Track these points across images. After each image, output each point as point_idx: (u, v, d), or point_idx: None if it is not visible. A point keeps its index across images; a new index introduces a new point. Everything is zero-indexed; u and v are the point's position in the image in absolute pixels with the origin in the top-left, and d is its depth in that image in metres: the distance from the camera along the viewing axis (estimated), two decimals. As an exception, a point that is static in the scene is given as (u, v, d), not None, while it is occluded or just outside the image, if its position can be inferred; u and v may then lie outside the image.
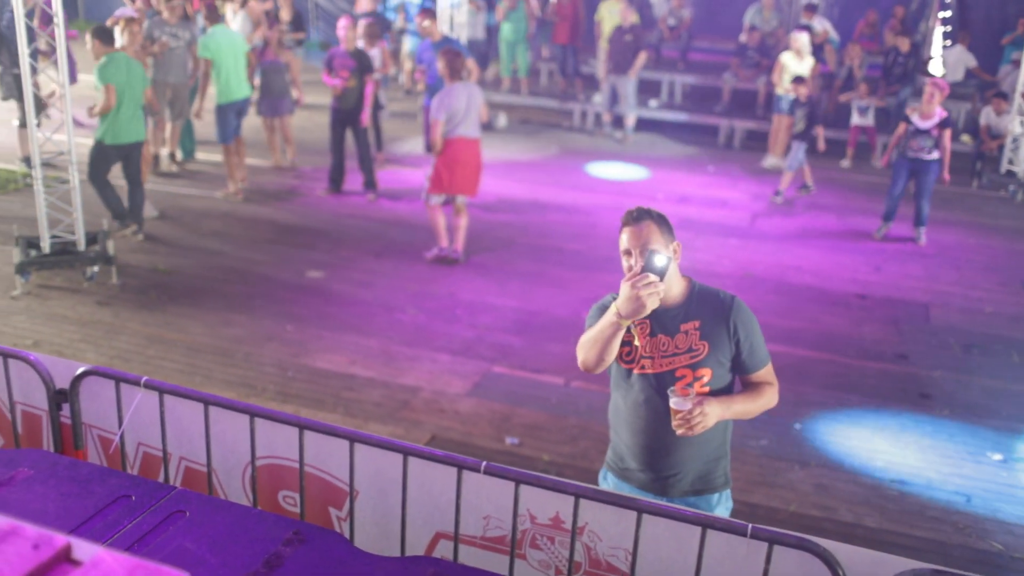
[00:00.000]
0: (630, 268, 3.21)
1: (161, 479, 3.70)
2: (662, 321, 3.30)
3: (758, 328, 3.33)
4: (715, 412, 3.15)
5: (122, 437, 3.70)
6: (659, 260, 3.02)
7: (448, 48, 8.73)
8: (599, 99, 14.31)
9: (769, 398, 3.36)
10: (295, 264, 8.42)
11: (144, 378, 3.53)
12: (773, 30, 14.81)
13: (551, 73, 16.41)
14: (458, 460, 3.11)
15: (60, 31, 7.58)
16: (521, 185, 11.16)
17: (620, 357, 3.36)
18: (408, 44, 15.53)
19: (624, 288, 3.05)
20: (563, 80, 15.71)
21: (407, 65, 15.49)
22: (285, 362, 6.59)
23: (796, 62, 11.85)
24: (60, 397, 3.72)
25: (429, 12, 10.56)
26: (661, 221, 3.29)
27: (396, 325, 7.23)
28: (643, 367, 3.32)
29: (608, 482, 3.59)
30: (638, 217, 3.26)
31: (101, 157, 8.39)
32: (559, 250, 9.04)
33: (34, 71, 7.84)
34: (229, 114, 10.15)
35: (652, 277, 3.01)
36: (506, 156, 12.46)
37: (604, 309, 3.28)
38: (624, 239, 3.26)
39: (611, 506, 2.97)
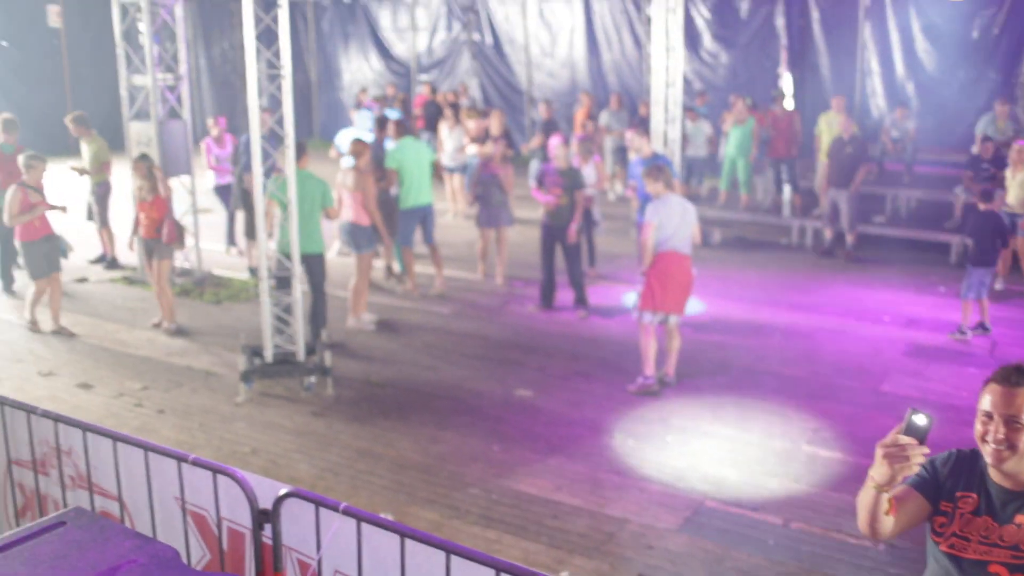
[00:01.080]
0: (983, 434, 2.73)
1: (356, 612, 3.58)
2: (995, 502, 2.76)
3: None
4: None
5: (319, 564, 3.62)
6: (919, 420, 2.56)
7: (653, 164, 8.68)
8: (818, 214, 13.80)
9: None
10: (504, 381, 8.36)
11: (343, 504, 3.45)
12: (1009, 140, 13.89)
13: (767, 188, 16.01)
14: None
15: (290, 152, 7.98)
16: (736, 304, 10.76)
17: (932, 525, 2.86)
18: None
19: (877, 451, 2.61)
20: (779, 195, 15.29)
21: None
22: (490, 483, 6.44)
23: (1010, 176, 10.97)
24: (263, 517, 3.68)
25: (641, 128, 10.54)
26: None
27: (604, 449, 6.98)
28: (952, 546, 2.79)
29: None
30: (1018, 381, 2.70)
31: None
32: (777, 376, 8.57)
33: (265, 188, 8.28)
34: (412, 219, 10.73)
35: (906, 440, 2.56)
36: (720, 273, 12.11)
37: (930, 465, 2.86)
38: (988, 400, 2.73)
39: None
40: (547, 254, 10.37)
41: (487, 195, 11.17)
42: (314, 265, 8.94)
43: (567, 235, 10.12)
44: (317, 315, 9.13)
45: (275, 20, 7.72)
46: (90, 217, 12.25)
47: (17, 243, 9.60)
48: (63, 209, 9.54)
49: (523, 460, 6.80)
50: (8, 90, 21.45)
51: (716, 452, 6.95)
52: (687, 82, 17.35)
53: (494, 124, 13.21)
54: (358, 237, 9.62)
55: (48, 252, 9.52)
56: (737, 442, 7.13)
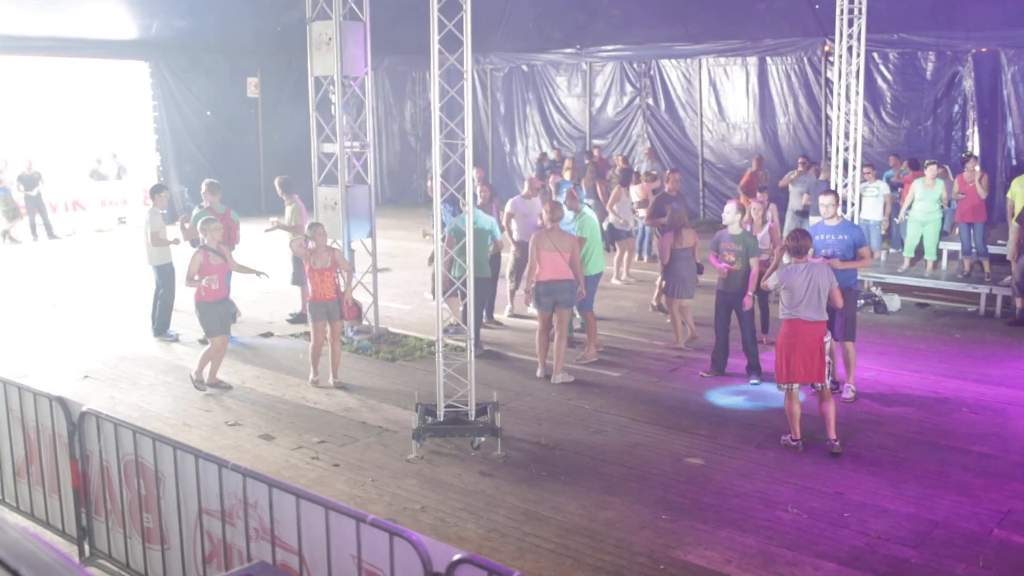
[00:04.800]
0: None
1: None
2: None
3: None
4: None
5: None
6: None
7: (797, 229, 8.59)
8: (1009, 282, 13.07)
9: None
10: (673, 448, 8.25)
11: (516, 574, 3.48)
12: None
13: (954, 253, 15.29)
14: None
15: (469, 217, 8.21)
16: (919, 376, 10.29)
17: None
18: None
19: None
20: (967, 261, 14.56)
21: None
22: (657, 553, 6.34)
23: None
24: (436, 580, 3.76)
25: (833, 193, 10.12)
26: None
27: (777, 523, 6.76)
28: None
29: None
30: None
31: None
32: (964, 451, 8.12)
33: (446, 253, 8.55)
34: (593, 284, 10.95)
35: None
36: (902, 342, 11.63)
37: None
38: None
39: None
40: (721, 320, 10.25)
41: (674, 265, 11.17)
42: (484, 285, 10.92)
43: (742, 301, 9.97)
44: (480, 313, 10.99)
45: (459, 93, 8.02)
46: (296, 281, 12.87)
47: (193, 303, 10.01)
48: (260, 274, 10.15)
49: (692, 530, 6.67)
50: (212, 155, 23.04)
51: (897, 532, 6.62)
52: (868, 145, 16.91)
53: (671, 185, 13.10)
54: (572, 291, 10.02)
55: (222, 313, 9.96)
56: (920, 522, 6.78)
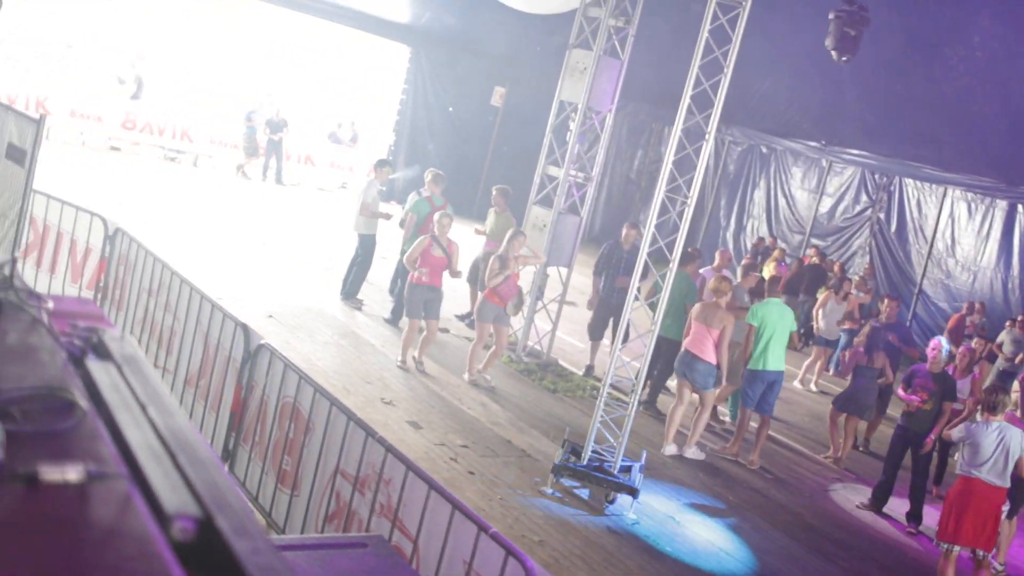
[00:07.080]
0: None
1: None
2: None
3: None
4: None
5: None
6: None
7: (996, 384, 8.05)
8: None
9: None
10: (807, 569, 7.85)
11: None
12: None
13: None
14: None
15: (673, 265, 8.11)
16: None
17: None
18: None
19: None
20: None
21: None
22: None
23: None
24: (539, 612, 3.69)
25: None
26: None
27: None
28: None
29: None
30: None
31: None
32: None
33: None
34: (757, 382, 10.07)
35: None
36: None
37: None
38: None
39: None
40: (894, 455, 9.70)
41: (855, 384, 10.64)
42: (675, 349, 10.25)
43: (923, 443, 9.41)
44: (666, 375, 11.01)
45: (696, 152, 7.97)
46: (470, 279, 13.11)
47: (408, 284, 10.53)
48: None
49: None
50: (442, 148, 23.80)
51: None
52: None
53: (886, 313, 12.42)
54: (706, 374, 9.62)
55: (428, 300, 10.35)
56: None
